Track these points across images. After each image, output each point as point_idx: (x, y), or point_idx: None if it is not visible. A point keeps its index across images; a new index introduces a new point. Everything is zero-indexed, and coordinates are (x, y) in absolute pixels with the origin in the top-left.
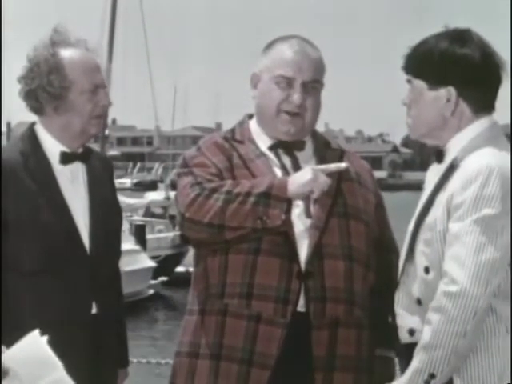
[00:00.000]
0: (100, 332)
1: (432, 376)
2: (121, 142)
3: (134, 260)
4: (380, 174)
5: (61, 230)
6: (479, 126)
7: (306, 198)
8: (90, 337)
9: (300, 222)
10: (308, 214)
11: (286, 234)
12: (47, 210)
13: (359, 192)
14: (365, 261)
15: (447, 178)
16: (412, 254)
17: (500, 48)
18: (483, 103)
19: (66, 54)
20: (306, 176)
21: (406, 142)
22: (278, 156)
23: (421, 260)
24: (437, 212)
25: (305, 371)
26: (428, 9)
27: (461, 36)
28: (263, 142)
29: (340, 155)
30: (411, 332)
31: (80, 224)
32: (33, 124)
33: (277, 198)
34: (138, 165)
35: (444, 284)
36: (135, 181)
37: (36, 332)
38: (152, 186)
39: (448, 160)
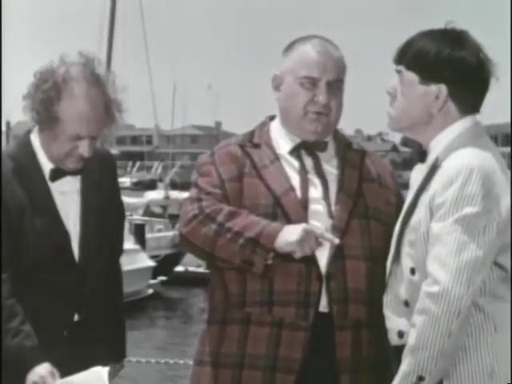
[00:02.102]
0: (81, 339)
1: (421, 378)
2: (120, 141)
3: (134, 259)
4: None
5: (51, 240)
6: (461, 125)
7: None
8: (70, 344)
9: (320, 223)
10: (330, 215)
11: None
12: (39, 220)
13: (380, 193)
14: (386, 262)
15: (430, 179)
16: (398, 256)
17: (500, 47)
18: (470, 105)
19: (66, 93)
20: (293, 236)
21: (406, 142)
22: (299, 157)
23: (406, 261)
24: (420, 213)
25: (330, 373)
26: (428, 8)
27: (458, 37)
28: (285, 144)
29: (361, 156)
30: (400, 334)
31: (71, 233)
32: (29, 131)
33: (263, 247)
34: (138, 164)
35: (427, 285)
36: (134, 180)
37: (99, 368)
38: (151, 185)
39: (430, 160)
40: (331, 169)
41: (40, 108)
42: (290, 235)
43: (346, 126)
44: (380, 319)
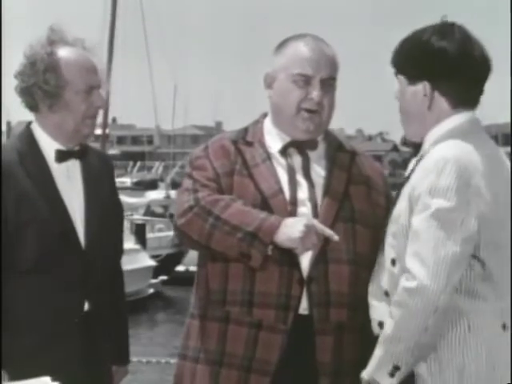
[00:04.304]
0: (92, 330)
1: (396, 368)
2: (121, 140)
3: (134, 259)
4: None
5: (56, 226)
6: (455, 120)
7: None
8: (82, 334)
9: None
10: (315, 217)
11: None
12: (43, 207)
13: (368, 195)
14: (370, 266)
15: (414, 170)
16: (383, 246)
17: (500, 47)
18: (462, 97)
19: (62, 53)
20: (296, 233)
21: (405, 142)
22: (289, 156)
23: (388, 252)
24: (401, 204)
25: (309, 377)
26: (429, 7)
27: (442, 29)
28: (275, 143)
29: (351, 157)
30: (381, 324)
31: (76, 220)
32: (29, 123)
33: (261, 241)
34: (138, 164)
35: (405, 279)
36: (135, 180)
37: (47, 379)
38: (152, 185)
39: (419, 155)
40: (320, 170)
41: (46, 78)
42: (291, 231)
43: (347, 126)
44: (363, 323)
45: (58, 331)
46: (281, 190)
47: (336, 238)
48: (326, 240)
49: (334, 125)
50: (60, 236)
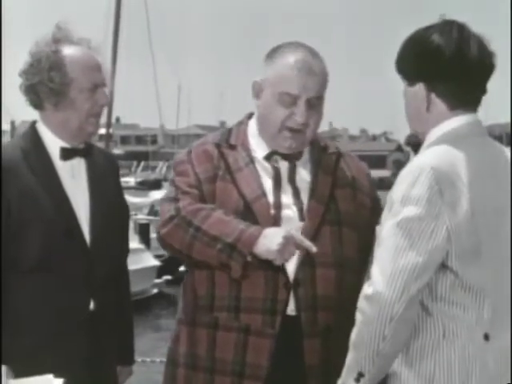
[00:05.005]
0: (98, 329)
1: (361, 374)
2: (125, 140)
3: (139, 259)
4: (384, 172)
5: (61, 224)
6: (452, 123)
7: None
8: (88, 334)
9: (290, 228)
10: (300, 221)
11: None
12: (48, 205)
13: (354, 197)
14: (357, 269)
15: None
16: (373, 248)
17: (500, 48)
18: (460, 99)
19: (67, 51)
20: (274, 245)
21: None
22: (274, 161)
23: (374, 252)
24: (385, 210)
25: (298, 380)
26: (430, 6)
27: (440, 28)
28: (260, 149)
29: (336, 159)
30: None
31: (81, 218)
32: (34, 122)
33: (240, 252)
34: (142, 163)
35: (366, 286)
36: (139, 179)
37: (50, 376)
38: (156, 184)
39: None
40: (305, 174)
41: (51, 76)
42: (270, 243)
43: (351, 126)
44: (350, 326)
45: (63, 330)
46: (264, 194)
47: (314, 249)
48: (313, 243)
49: (338, 125)
50: (64, 234)
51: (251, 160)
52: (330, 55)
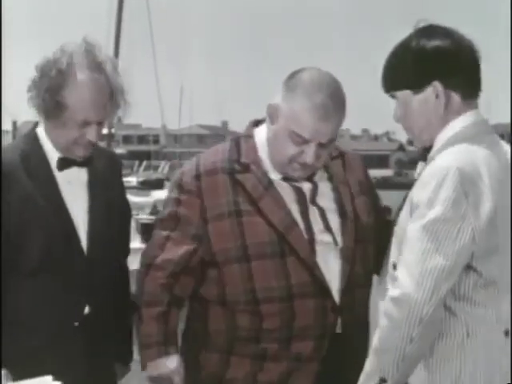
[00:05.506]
0: (94, 333)
1: (383, 380)
2: (127, 140)
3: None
4: (386, 172)
5: (58, 230)
6: (461, 121)
7: None
8: (83, 338)
9: (330, 255)
10: (336, 244)
11: (312, 273)
12: (45, 211)
13: (365, 204)
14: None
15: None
16: (388, 250)
17: (500, 48)
18: (470, 88)
19: (74, 77)
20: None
21: (411, 141)
22: (293, 184)
23: (391, 256)
24: (404, 210)
25: None
26: (430, 6)
27: (425, 31)
28: (272, 170)
29: (342, 162)
30: None
31: (79, 225)
32: (36, 124)
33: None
34: (144, 163)
35: (392, 288)
36: (141, 179)
37: (49, 378)
38: (158, 184)
39: (428, 158)
40: (324, 188)
41: (46, 96)
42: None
43: (353, 126)
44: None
45: (58, 334)
46: (294, 222)
47: None
48: (352, 265)
49: None
50: (61, 240)
51: (270, 182)
52: (331, 54)
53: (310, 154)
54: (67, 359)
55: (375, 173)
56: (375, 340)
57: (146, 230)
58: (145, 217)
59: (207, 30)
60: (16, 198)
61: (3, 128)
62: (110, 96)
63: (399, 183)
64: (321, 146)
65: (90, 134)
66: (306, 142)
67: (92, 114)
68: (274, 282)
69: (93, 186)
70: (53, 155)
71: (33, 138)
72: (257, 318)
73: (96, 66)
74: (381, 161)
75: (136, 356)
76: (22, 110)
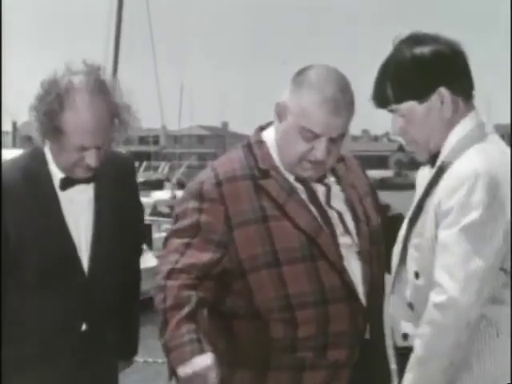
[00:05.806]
0: (89, 349)
1: None
2: (127, 141)
3: (141, 259)
4: (386, 173)
5: (57, 251)
6: (467, 123)
7: None
8: (78, 355)
9: (351, 258)
10: (356, 247)
11: (342, 277)
12: (45, 231)
13: (371, 204)
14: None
15: (436, 182)
16: (404, 258)
17: (500, 48)
18: (471, 90)
19: (70, 104)
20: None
21: None
22: (308, 185)
23: (411, 265)
24: (426, 218)
25: None
26: (430, 6)
27: (412, 39)
28: (287, 172)
29: (345, 166)
30: (405, 336)
31: (81, 244)
32: (44, 141)
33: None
34: (144, 164)
35: (435, 295)
36: (141, 180)
37: None
38: (158, 185)
39: (438, 163)
40: (335, 190)
41: (44, 119)
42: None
43: (353, 127)
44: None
45: (53, 350)
46: (320, 226)
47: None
48: (373, 269)
49: None
50: (60, 261)
51: (291, 187)
52: (330, 54)
53: (320, 149)
54: (61, 374)
55: (375, 173)
56: (419, 350)
57: (146, 231)
58: (145, 218)
59: (207, 30)
60: (18, 217)
61: (3, 129)
62: (112, 117)
63: (399, 184)
64: (331, 141)
65: (89, 158)
66: (316, 137)
67: (89, 140)
68: (307, 286)
69: (100, 201)
70: (57, 174)
71: (39, 155)
72: (291, 326)
73: (97, 89)
74: (381, 161)
75: (138, 358)
76: (21, 111)
